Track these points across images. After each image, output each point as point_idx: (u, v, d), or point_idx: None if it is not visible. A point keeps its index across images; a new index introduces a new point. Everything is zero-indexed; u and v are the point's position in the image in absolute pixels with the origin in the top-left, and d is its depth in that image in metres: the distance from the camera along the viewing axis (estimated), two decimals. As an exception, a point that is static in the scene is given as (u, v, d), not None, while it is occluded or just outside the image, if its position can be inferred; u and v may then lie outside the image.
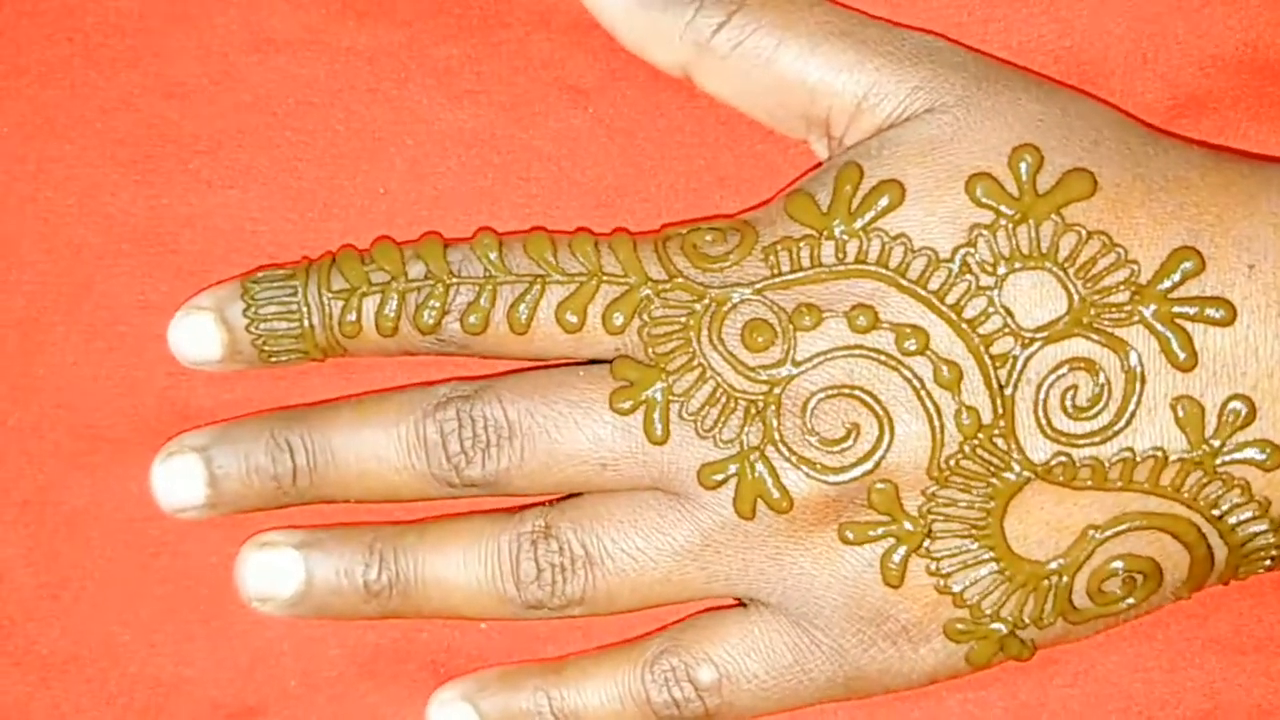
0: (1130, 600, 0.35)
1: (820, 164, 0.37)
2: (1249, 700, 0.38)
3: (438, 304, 0.35)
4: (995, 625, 0.35)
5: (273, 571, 0.37)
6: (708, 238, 0.35)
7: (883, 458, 0.34)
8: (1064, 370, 0.34)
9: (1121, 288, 0.34)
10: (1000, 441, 0.34)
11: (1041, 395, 0.34)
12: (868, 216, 0.34)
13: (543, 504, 0.37)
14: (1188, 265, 0.33)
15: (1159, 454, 0.34)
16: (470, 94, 0.38)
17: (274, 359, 0.36)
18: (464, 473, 0.35)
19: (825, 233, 0.34)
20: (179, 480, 0.36)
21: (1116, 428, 0.34)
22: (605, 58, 0.37)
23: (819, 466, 0.34)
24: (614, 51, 0.37)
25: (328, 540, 0.37)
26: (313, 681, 0.38)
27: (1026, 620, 0.35)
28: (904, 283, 0.34)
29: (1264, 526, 0.34)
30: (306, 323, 0.36)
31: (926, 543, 0.34)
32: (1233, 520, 0.34)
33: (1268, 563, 0.35)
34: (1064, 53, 0.37)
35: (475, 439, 0.35)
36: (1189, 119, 0.38)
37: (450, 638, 0.38)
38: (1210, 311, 0.33)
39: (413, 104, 0.38)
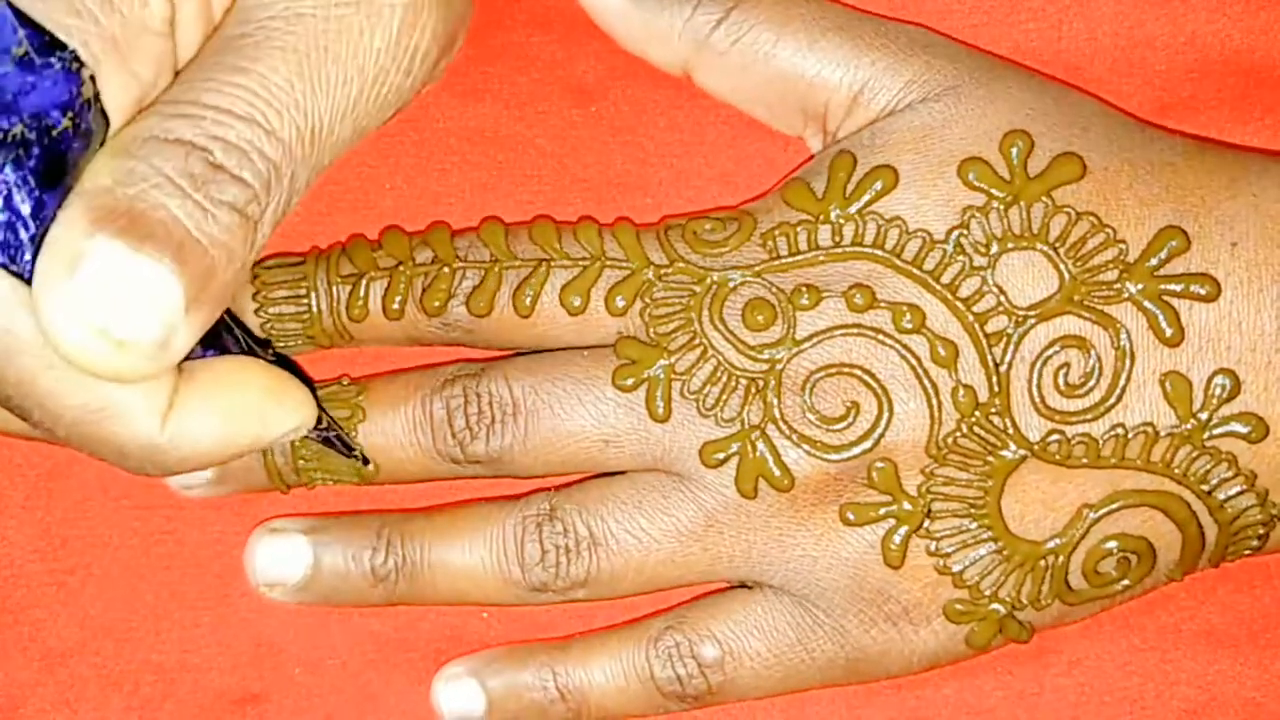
0: (1125, 581, 0.35)
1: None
2: (1241, 691, 0.38)
3: (444, 287, 0.36)
4: (994, 606, 0.35)
5: (281, 557, 0.37)
6: (707, 226, 0.36)
7: (882, 436, 0.34)
8: (1056, 348, 0.34)
9: (1110, 266, 0.34)
10: (997, 419, 0.34)
11: (1035, 373, 0.34)
12: (862, 201, 0.35)
13: (548, 489, 0.37)
14: (1174, 243, 0.34)
15: (1149, 429, 0.34)
16: (475, 93, 0.38)
17: (281, 346, 0.36)
18: (468, 449, 0.36)
19: (821, 217, 0.35)
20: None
21: (1108, 404, 0.34)
22: (606, 57, 0.38)
23: (819, 445, 0.35)
24: (615, 51, 0.37)
25: (335, 527, 0.37)
26: (316, 668, 0.38)
27: (1024, 601, 0.35)
28: (899, 263, 0.35)
29: (1252, 501, 0.34)
30: (314, 308, 0.36)
31: (926, 523, 0.35)
32: (1221, 495, 0.34)
33: (1255, 542, 0.35)
34: (1053, 56, 0.38)
35: (480, 415, 0.36)
36: (1175, 121, 0.38)
37: (453, 626, 0.38)
38: (1195, 288, 0.34)
39: (419, 103, 0.38)
